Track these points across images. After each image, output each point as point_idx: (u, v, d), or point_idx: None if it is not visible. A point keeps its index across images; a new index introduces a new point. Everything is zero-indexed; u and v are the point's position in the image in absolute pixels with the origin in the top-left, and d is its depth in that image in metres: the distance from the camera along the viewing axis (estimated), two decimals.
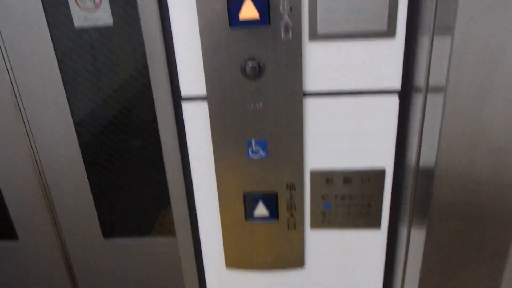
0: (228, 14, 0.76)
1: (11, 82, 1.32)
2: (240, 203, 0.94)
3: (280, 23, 0.76)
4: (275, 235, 0.97)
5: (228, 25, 0.77)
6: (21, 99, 1.35)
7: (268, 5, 0.75)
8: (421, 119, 0.78)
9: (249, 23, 0.76)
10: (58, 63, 1.26)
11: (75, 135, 1.38)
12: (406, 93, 0.82)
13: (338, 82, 0.81)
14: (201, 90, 0.84)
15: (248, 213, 0.95)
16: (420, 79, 0.78)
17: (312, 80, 0.82)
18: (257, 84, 0.82)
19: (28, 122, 1.37)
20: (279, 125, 0.86)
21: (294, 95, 0.83)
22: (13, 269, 1.72)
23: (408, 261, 0.90)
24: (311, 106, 0.84)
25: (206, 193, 0.94)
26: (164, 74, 0.82)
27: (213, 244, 0.99)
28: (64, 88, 1.29)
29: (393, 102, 0.83)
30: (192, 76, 0.83)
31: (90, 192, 1.50)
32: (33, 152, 1.45)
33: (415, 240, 0.88)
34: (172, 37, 0.80)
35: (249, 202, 0.94)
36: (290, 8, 0.75)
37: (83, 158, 1.44)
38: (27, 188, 1.52)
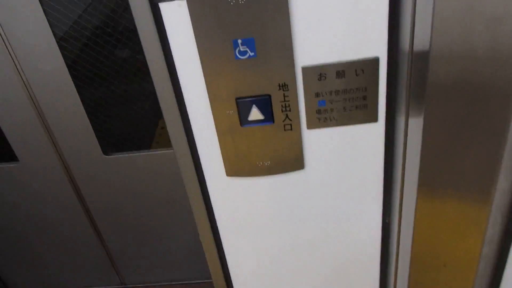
0: None
1: None
2: (233, 108, 0.92)
3: None
4: (272, 138, 0.96)
5: None
6: None
7: None
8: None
9: None
10: None
11: (58, 50, 1.36)
12: None
13: None
14: None
15: (243, 119, 0.94)
16: None
17: None
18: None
19: (8, 41, 1.33)
20: (265, 20, 0.81)
21: None
22: (18, 190, 1.78)
23: (408, 151, 0.89)
24: None
25: (197, 102, 0.92)
26: None
27: (211, 153, 0.99)
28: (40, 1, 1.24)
29: None
30: None
31: (84, 110, 1.50)
32: (19, 73, 1.43)
33: (414, 128, 0.87)
34: None
35: (243, 107, 0.92)
36: None
37: (70, 74, 1.42)
38: (19, 109, 1.52)
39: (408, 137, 0.90)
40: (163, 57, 0.86)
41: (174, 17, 0.82)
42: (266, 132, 0.96)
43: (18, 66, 1.42)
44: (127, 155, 1.69)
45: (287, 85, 0.89)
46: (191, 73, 0.88)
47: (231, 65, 0.86)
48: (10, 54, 1.41)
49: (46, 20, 1.28)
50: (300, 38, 0.84)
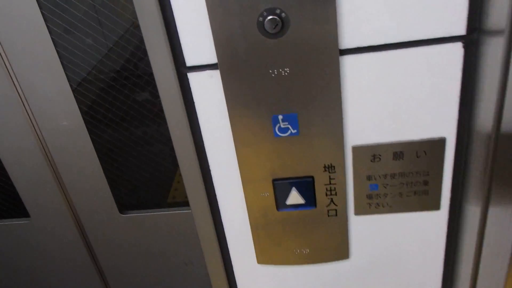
0: None
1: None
2: (269, 190, 0.78)
3: None
4: (313, 224, 0.82)
5: None
6: (11, 67, 1.22)
7: None
8: (502, 68, 0.59)
9: None
10: (46, 21, 1.11)
11: (76, 104, 1.25)
12: (472, 39, 0.63)
13: (384, 33, 0.63)
14: (211, 56, 0.67)
15: (280, 202, 0.80)
16: (497, 18, 0.59)
17: (351, 32, 0.63)
18: (279, 43, 0.64)
19: (24, 95, 1.24)
20: (310, 93, 0.68)
21: (327, 54, 0.65)
22: (28, 247, 1.67)
23: (484, 246, 0.73)
24: (350, 66, 0.66)
25: (228, 182, 0.78)
26: (163, 41, 0.65)
27: (240, 237, 0.84)
28: (56, 49, 1.14)
29: (456, 51, 0.64)
30: (197, 39, 0.66)
31: (100, 165, 1.38)
32: (34, 127, 1.33)
33: (492, 221, 0.71)
34: None
35: (280, 189, 0.78)
36: None
37: (87, 129, 1.32)
38: (32, 164, 1.42)
39: (484, 227, 0.74)
40: (189, 132, 0.73)
41: (205, 88, 0.70)
42: (307, 218, 0.81)
43: (33, 121, 1.32)
44: (144, 214, 1.56)
45: (334, 167, 0.75)
46: (221, 150, 0.75)
47: (269, 143, 0.73)
48: (25, 108, 1.31)
49: (63, 72, 1.18)
50: (352, 114, 0.71)
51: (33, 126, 1.41)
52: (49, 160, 1.50)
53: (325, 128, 0.72)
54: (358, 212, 0.81)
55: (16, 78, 1.28)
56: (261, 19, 0.63)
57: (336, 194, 0.78)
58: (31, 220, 1.64)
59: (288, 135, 0.73)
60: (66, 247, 1.66)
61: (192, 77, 0.70)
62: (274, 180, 0.78)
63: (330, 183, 0.77)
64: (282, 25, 0.63)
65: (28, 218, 1.65)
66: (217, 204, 0.82)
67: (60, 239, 1.62)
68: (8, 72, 1.23)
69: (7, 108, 1.36)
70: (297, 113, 0.71)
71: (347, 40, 0.65)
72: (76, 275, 1.70)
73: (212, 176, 0.79)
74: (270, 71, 0.67)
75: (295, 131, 0.72)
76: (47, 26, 1.16)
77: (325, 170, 0.76)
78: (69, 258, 1.68)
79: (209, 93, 0.71)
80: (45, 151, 1.45)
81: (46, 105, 1.33)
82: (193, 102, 0.72)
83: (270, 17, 0.63)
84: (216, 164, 0.78)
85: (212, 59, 0.68)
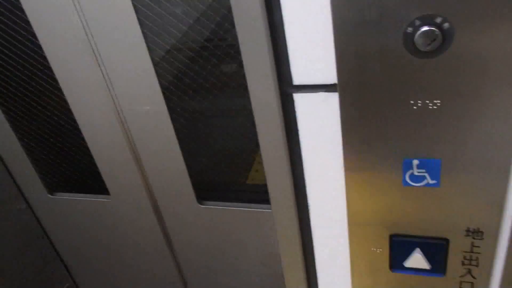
0: None
1: (84, 28, 1.08)
2: (383, 247, 0.59)
3: None
4: None
5: None
6: (97, 48, 1.12)
7: None
8: None
9: None
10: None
11: (160, 92, 1.14)
12: None
13: None
14: (328, 74, 0.48)
15: (396, 262, 0.60)
16: None
17: None
18: (433, 64, 0.43)
19: (109, 77, 1.15)
20: (465, 135, 0.47)
21: (505, 84, 0.43)
22: (108, 224, 1.65)
23: None
24: None
25: (329, 225, 0.60)
26: (265, 50, 0.47)
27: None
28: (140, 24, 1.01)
29: None
30: (311, 51, 0.47)
31: (180, 152, 1.29)
32: (117, 110, 1.25)
33: None
34: None
35: (399, 248, 0.59)
36: None
37: (170, 116, 1.21)
38: (114, 145, 1.38)
39: None
40: (288, 165, 0.55)
41: (314, 113, 0.51)
42: (430, 286, 0.61)
43: (116, 103, 1.22)
44: (223, 207, 1.42)
45: (482, 232, 0.54)
46: (325, 189, 0.57)
47: (394, 192, 0.53)
48: (109, 88, 1.20)
49: (150, 62, 1.05)
50: None
51: (116, 107, 1.32)
52: (130, 141, 1.42)
53: (478, 182, 0.51)
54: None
55: (101, 59, 1.17)
56: (410, 30, 0.42)
57: (477, 265, 0.57)
58: (111, 198, 1.60)
59: (424, 185, 0.53)
60: (143, 231, 1.60)
61: (298, 98, 0.52)
62: (392, 236, 0.59)
63: (471, 251, 0.56)
64: (442, 40, 0.42)
65: (108, 196, 1.60)
66: (313, 254, 0.64)
67: (138, 222, 1.56)
68: (94, 54, 1.13)
69: (91, 88, 1.27)
70: (441, 159, 0.50)
71: None
72: (152, 260, 1.64)
73: (311, 219, 0.62)
74: (412, 101, 0.47)
75: (435, 181, 0.52)
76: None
77: (468, 235, 0.55)
78: (146, 242, 1.62)
79: (319, 119, 0.52)
80: (126, 133, 1.37)
81: (129, 87, 1.22)
82: (297, 129, 0.54)
83: (425, 28, 0.42)
84: (317, 205, 0.60)
85: (330, 78, 0.49)
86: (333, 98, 0.50)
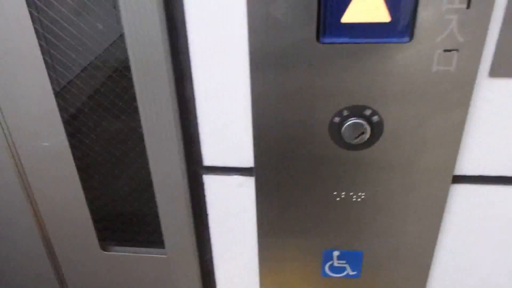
0: (320, 16, 0.33)
1: None
2: None
3: (435, 39, 0.33)
4: None
5: (315, 38, 0.34)
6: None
7: (414, 9, 0.32)
8: None
9: (361, 32, 0.33)
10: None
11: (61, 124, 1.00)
12: None
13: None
14: (244, 157, 0.41)
15: None
16: None
17: (476, 153, 0.39)
18: (361, 157, 0.39)
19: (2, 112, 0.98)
20: (390, 228, 0.43)
21: (436, 180, 0.40)
22: None
23: None
24: (463, 198, 0.41)
25: None
26: (174, 131, 0.39)
27: None
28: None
29: None
30: (225, 131, 0.40)
31: (82, 192, 1.14)
32: (9, 145, 1.08)
33: None
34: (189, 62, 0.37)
35: None
36: (468, 0, 0.31)
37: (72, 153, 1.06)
38: (2, 181, 1.18)
39: None
40: (196, 258, 0.48)
41: (226, 198, 0.44)
42: None
43: (8, 138, 1.05)
44: (128, 253, 1.29)
45: None
46: (238, 279, 0.50)
47: (311, 283, 0.48)
48: (1, 123, 1.03)
49: (51, 92, 0.92)
50: (451, 254, 0.46)
51: (8, 142, 1.14)
52: (22, 179, 1.24)
53: (398, 275, 0.47)
54: None
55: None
56: (337, 120, 0.38)
57: None
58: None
59: (344, 276, 0.48)
60: (37, 278, 1.40)
61: (209, 180, 0.44)
62: None
63: None
64: (370, 134, 0.38)
65: None
66: None
67: (31, 268, 1.36)
68: None
69: None
70: (363, 251, 0.46)
71: (466, 165, 0.40)
72: None
73: None
74: (336, 192, 0.42)
75: (355, 272, 0.47)
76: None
77: None
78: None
79: (232, 204, 0.45)
80: (19, 171, 1.19)
81: (25, 120, 1.06)
82: (206, 213, 0.47)
83: (353, 120, 0.37)
84: None
85: (246, 161, 0.42)
86: (249, 183, 0.44)
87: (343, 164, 0.40)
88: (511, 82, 0.36)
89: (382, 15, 0.33)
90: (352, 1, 0.33)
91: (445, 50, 0.34)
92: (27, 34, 0.85)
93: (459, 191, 0.42)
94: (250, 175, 0.43)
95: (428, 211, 0.43)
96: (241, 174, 0.44)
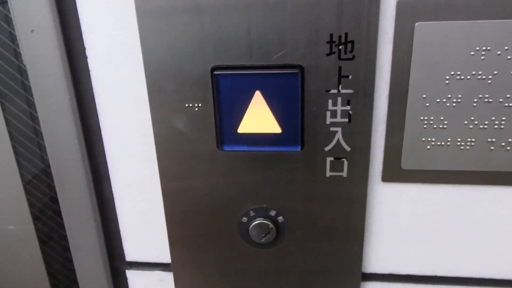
0: (218, 128, 0.36)
1: None
2: None
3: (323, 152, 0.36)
4: None
5: (216, 146, 0.37)
6: None
7: (302, 109, 0.35)
8: None
9: (256, 141, 0.36)
10: None
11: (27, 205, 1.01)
12: None
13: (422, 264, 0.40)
14: (163, 253, 0.43)
15: None
16: None
17: (382, 252, 0.40)
18: (270, 255, 0.41)
19: None
20: None
21: (347, 278, 0.41)
22: None
23: None
24: None
25: None
26: (94, 227, 0.41)
27: None
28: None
29: None
30: (144, 229, 0.42)
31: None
32: None
33: None
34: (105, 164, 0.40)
35: None
36: (349, 115, 0.35)
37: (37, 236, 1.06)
38: None
39: None
40: None
41: None
42: None
43: None
44: None
45: None
46: None
47: None
48: None
49: (20, 180, 0.95)
50: None
51: None
52: None
53: None
54: None
55: None
56: (245, 220, 0.40)
57: None
58: None
59: None
60: None
61: (132, 275, 0.45)
62: None
63: None
64: (277, 233, 0.40)
65: None
66: None
67: None
68: None
69: None
70: None
71: (374, 263, 0.41)
72: None
73: None
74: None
75: None
76: None
77: None
78: None
79: None
80: None
81: None
82: None
83: (259, 220, 0.39)
84: None
85: (165, 257, 0.44)
86: (170, 278, 0.45)
87: (254, 262, 0.42)
88: (402, 186, 0.39)
89: (273, 127, 0.37)
90: (246, 114, 0.36)
91: (335, 158, 0.37)
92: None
93: None
94: (170, 270, 0.44)
95: None
96: (162, 270, 0.45)
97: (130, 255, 0.45)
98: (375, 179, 0.39)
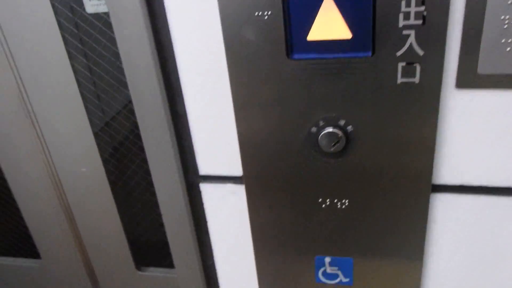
0: (287, 36, 0.37)
1: (18, 86, 1.02)
2: None
3: (395, 54, 0.35)
4: None
5: (285, 55, 0.38)
6: (32, 109, 1.06)
7: (374, 12, 0.34)
8: None
9: (327, 48, 0.36)
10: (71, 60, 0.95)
11: (96, 148, 1.08)
12: None
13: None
14: (235, 167, 0.45)
15: None
16: None
17: (453, 163, 0.40)
18: (339, 165, 0.41)
19: (43, 135, 1.09)
20: (377, 235, 0.44)
21: (415, 189, 0.41)
22: None
23: None
24: (444, 207, 0.42)
25: None
26: (170, 143, 0.43)
27: None
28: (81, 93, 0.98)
29: None
30: (217, 144, 0.44)
31: (118, 217, 1.20)
32: (51, 169, 1.17)
33: None
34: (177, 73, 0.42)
35: None
36: (423, 17, 0.34)
37: (107, 177, 1.14)
38: (47, 209, 1.27)
39: None
40: (199, 264, 0.51)
41: (223, 207, 0.48)
42: None
43: (51, 164, 1.14)
44: (162, 274, 1.34)
45: None
46: (239, 281, 0.53)
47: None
48: (43, 148, 1.13)
49: (85, 113, 1.00)
50: (437, 269, 0.46)
51: (51, 168, 1.24)
52: (64, 204, 1.33)
53: (390, 281, 0.48)
54: None
55: (36, 119, 1.11)
56: (314, 130, 0.41)
57: None
58: (42, 262, 1.48)
59: (337, 283, 0.49)
60: None
61: (206, 189, 0.48)
62: None
63: None
64: (346, 142, 0.40)
65: (39, 261, 1.48)
66: None
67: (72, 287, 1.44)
68: (29, 113, 1.06)
69: (25, 148, 1.19)
70: (353, 258, 0.47)
71: (445, 175, 0.41)
72: None
73: None
74: (320, 199, 0.44)
75: (348, 279, 0.49)
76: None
77: None
78: None
79: (228, 211, 0.49)
80: (61, 195, 1.28)
81: (66, 148, 1.15)
82: (205, 220, 0.50)
83: (328, 129, 0.40)
84: None
85: (236, 170, 0.46)
86: (241, 190, 0.47)
87: (324, 171, 0.43)
88: (478, 93, 0.38)
89: (344, 32, 0.36)
90: (316, 20, 0.36)
91: (407, 63, 0.37)
92: (67, 73, 0.93)
93: (440, 200, 0.43)
94: (241, 183, 0.47)
95: (411, 218, 0.44)
96: (234, 183, 0.47)
97: (203, 169, 0.47)
98: (449, 86, 0.38)
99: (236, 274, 0.54)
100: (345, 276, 0.49)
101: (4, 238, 1.45)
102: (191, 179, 0.48)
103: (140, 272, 1.38)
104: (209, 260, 0.53)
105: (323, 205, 0.45)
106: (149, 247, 1.37)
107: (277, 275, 0.51)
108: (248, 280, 0.53)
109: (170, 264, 1.38)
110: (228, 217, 0.49)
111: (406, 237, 0.45)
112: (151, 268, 1.39)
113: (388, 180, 0.42)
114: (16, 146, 1.16)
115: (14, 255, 1.51)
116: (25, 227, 1.39)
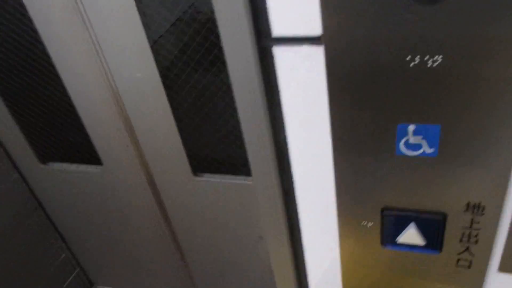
0: None
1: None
2: (374, 220, 0.54)
3: None
4: (433, 273, 0.57)
5: None
6: (87, 16, 1.07)
7: None
8: None
9: None
10: None
11: (152, 56, 1.10)
12: None
13: None
14: (312, 25, 0.41)
15: (387, 237, 0.55)
16: None
17: None
18: (436, 12, 0.37)
19: (99, 44, 1.11)
20: (470, 98, 0.41)
21: None
22: (101, 194, 1.62)
23: None
24: None
25: (315, 202, 0.55)
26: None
27: (325, 280, 0.62)
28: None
29: None
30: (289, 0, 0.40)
31: (174, 122, 1.24)
32: (108, 78, 1.21)
33: None
34: None
35: (392, 222, 0.54)
36: None
37: (162, 83, 1.17)
38: (104, 113, 1.34)
39: None
40: (269, 130, 0.50)
41: (297, 70, 0.45)
42: (424, 263, 0.56)
43: (107, 70, 1.17)
44: (218, 180, 1.39)
45: (483, 207, 0.48)
46: (310, 156, 0.51)
47: (387, 161, 0.48)
48: (100, 58, 1.15)
49: (141, 24, 1.00)
50: None
51: (107, 76, 1.27)
52: (121, 110, 1.37)
53: (480, 152, 0.45)
54: (504, 268, 0.54)
55: (91, 25, 1.12)
56: None
57: (476, 243, 0.52)
58: (103, 168, 1.56)
59: (420, 154, 0.47)
60: (137, 202, 1.56)
61: (279, 52, 0.45)
62: (384, 209, 0.53)
63: (471, 227, 0.51)
64: None
65: (100, 166, 1.56)
66: (299, 230, 0.59)
67: (132, 192, 1.53)
68: (83, 20, 1.06)
69: (81, 54, 1.22)
70: (440, 125, 0.44)
71: None
72: (147, 230, 1.62)
73: (296, 191, 0.56)
74: (408, 57, 0.40)
75: (433, 150, 0.46)
76: None
77: (468, 210, 0.49)
78: (140, 212, 1.59)
79: (303, 76, 0.46)
80: (118, 101, 1.31)
81: (120, 53, 1.16)
82: (277, 88, 0.48)
83: None
84: (302, 175, 0.55)
85: (314, 29, 0.42)
86: (319, 52, 0.44)
87: (417, 21, 0.38)
88: None
89: None
90: None
91: None
92: None
93: None
94: (319, 44, 0.43)
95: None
96: (310, 44, 0.44)
97: (277, 29, 0.44)
98: None
99: (309, 150, 0.52)
100: (430, 147, 0.46)
101: (68, 146, 1.52)
102: (264, 42, 0.45)
103: (197, 178, 1.42)
104: (281, 134, 0.51)
105: (411, 64, 0.41)
106: (205, 156, 1.40)
107: (354, 148, 0.49)
108: (323, 155, 0.51)
109: (225, 171, 1.41)
110: (303, 83, 0.46)
111: (506, 100, 0.41)
112: (207, 174, 1.43)
113: (497, 29, 0.37)
114: (73, 55, 1.17)
115: (78, 162, 1.59)
116: (86, 135, 1.45)
